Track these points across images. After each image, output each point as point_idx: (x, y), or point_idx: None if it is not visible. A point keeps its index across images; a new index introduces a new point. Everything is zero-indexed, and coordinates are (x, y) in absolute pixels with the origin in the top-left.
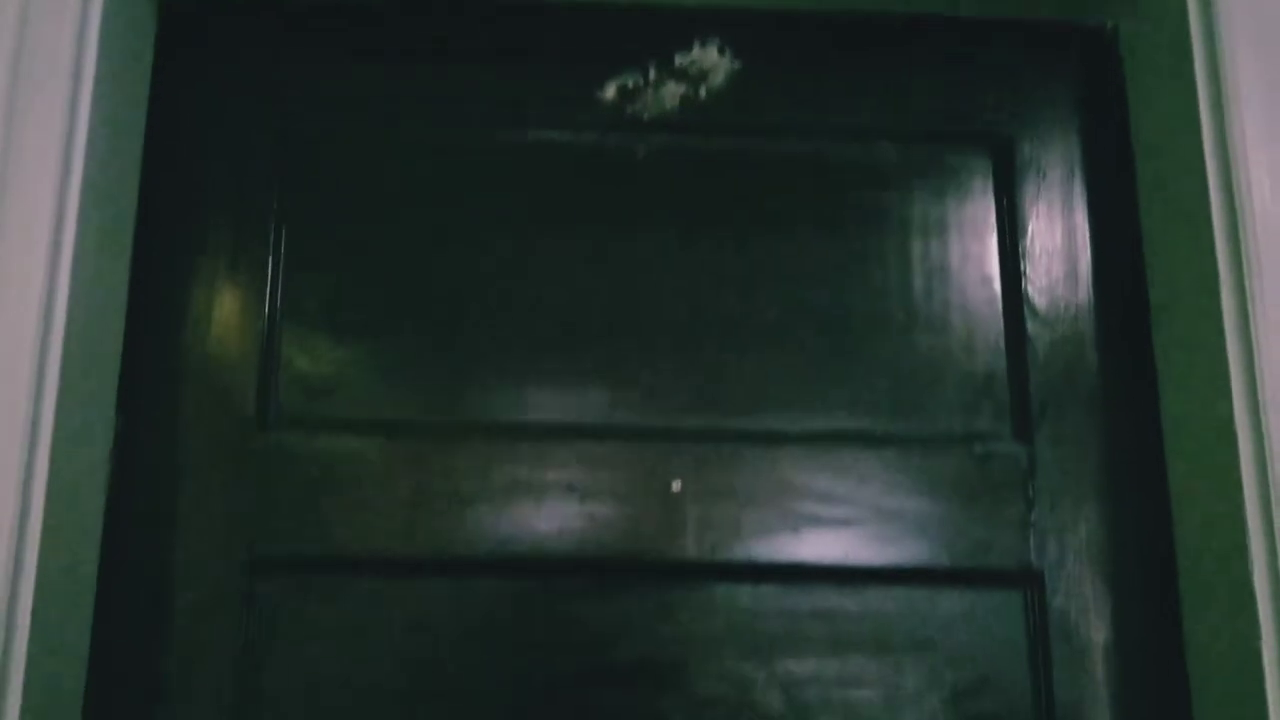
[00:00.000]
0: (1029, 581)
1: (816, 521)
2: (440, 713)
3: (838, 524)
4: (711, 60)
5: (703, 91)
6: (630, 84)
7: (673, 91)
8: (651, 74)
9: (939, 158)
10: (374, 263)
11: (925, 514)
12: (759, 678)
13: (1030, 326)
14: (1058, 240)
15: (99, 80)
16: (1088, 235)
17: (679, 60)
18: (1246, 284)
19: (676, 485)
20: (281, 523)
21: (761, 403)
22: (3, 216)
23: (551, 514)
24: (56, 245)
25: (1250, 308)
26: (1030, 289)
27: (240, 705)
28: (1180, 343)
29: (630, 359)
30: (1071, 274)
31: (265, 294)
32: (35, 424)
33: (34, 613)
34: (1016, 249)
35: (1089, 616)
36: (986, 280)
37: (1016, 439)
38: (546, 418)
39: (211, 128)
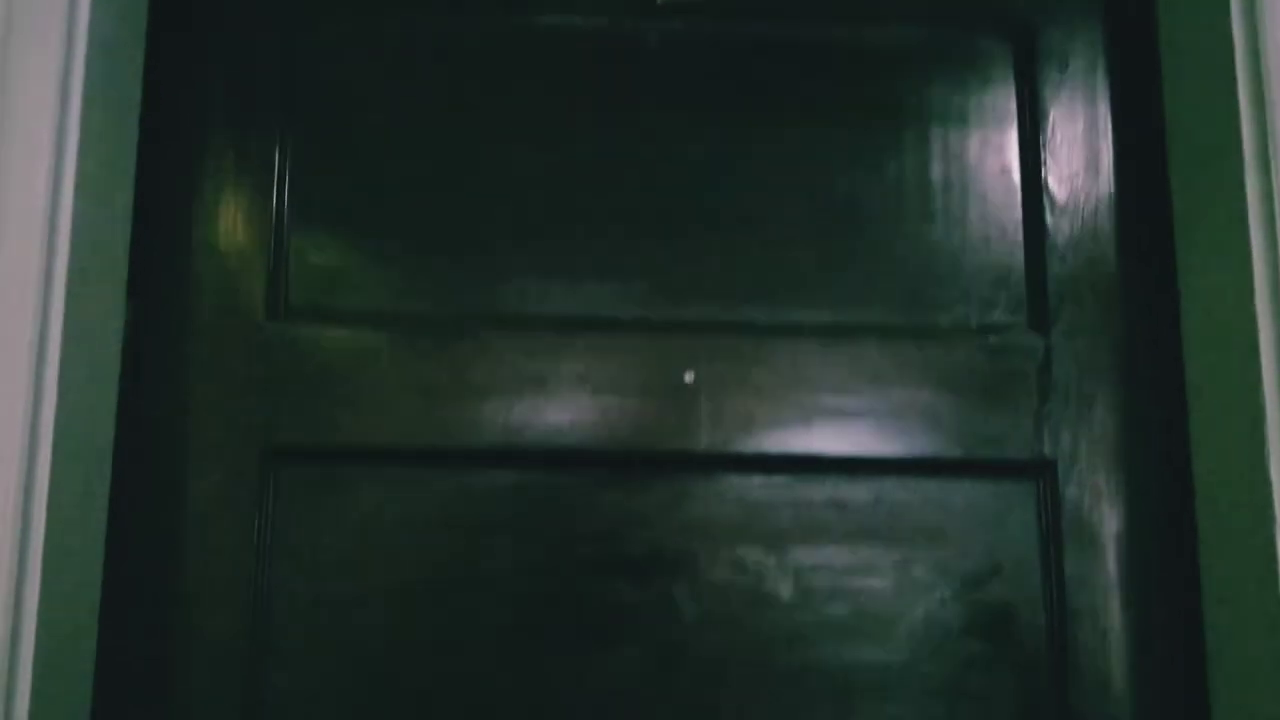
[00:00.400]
0: (1042, 472)
1: (830, 413)
2: (454, 602)
3: (851, 415)
4: None
5: None
6: None
7: None
8: None
9: (959, 43)
10: (382, 156)
11: (939, 405)
12: (770, 566)
13: (1049, 218)
14: (1079, 131)
15: None
16: (1109, 126)
17: None
18: (1274, 175)
19: (689, 376)
20: (294, 415)
21: (776, 294)
22: (6, 113)
23: (563, 406)
24: (61, 143)
25: (1276, 200)
26: (1050, 180)
27: (255, 595)
28: (1202, 237)
29: (643, 250)
30: (1093, 165)
31: (274, 190)
32: (45, 319)
33: (49, 506)
34: (1037, 139)
35: (1101, 507)
36: (1005, 171)
37: (1033, 330)
38: (558, 309)
39: (215, 27)
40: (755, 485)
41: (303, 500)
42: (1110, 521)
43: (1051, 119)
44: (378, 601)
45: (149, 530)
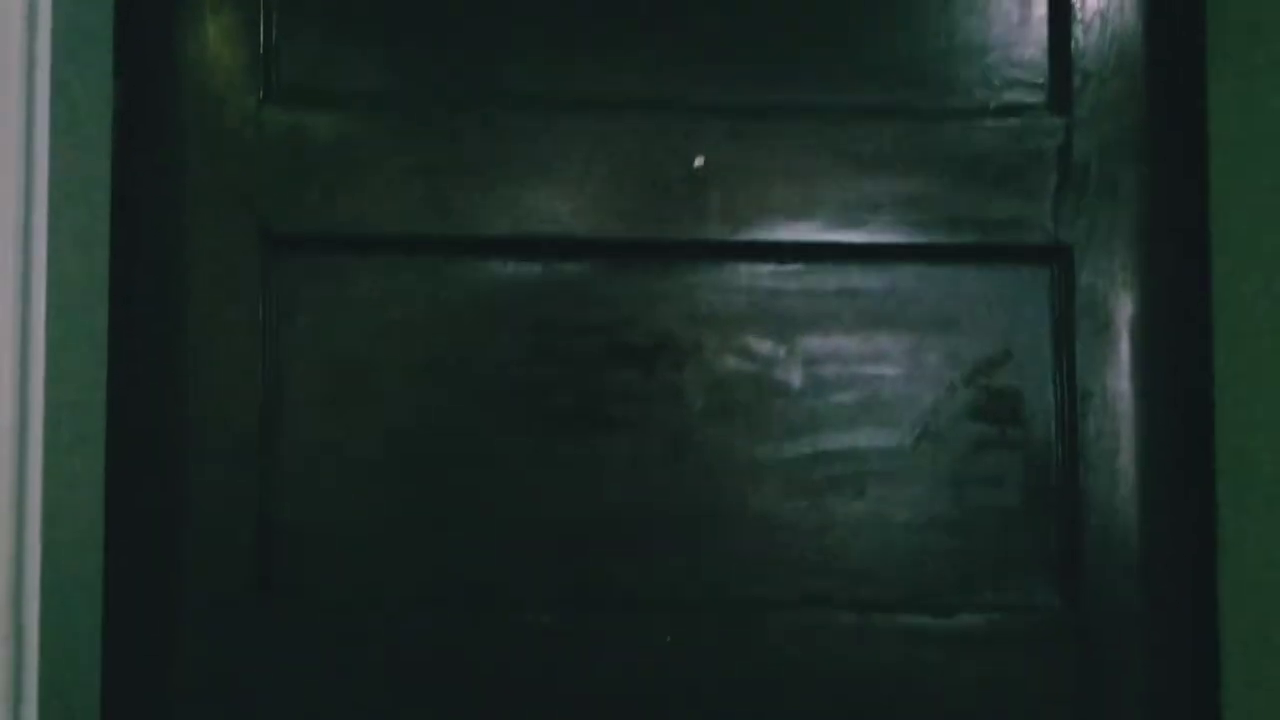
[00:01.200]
0: (1058, 257)
1: (843, 198)
2: (459, 390)
3: (865, 201)
4: None
5: None
6: None
7: None
8: None
9: None
10: None
11: (955, 190)
12: (780, 355)
13: None
14: None
15: None
16: None
17: None
18: None
19: (699, 161)
20: (295, 202)
21: (790, 76)
22: None
23: (569, 192)
24: None
25: None
26: None
27: (261, 388)
28: (1234, 14)
29: (650, 29)
30: None
31: None
32: (30, 97)
33: (48, 304)
34: None
35: (1117, 293)
36: None
37: (1053, 112)
38: (564, 91)
39: None
40: (765, 273)
41: (306, 288)
42: (1125, 308)
43: None
44: (384, 391)
45: (150, 325)
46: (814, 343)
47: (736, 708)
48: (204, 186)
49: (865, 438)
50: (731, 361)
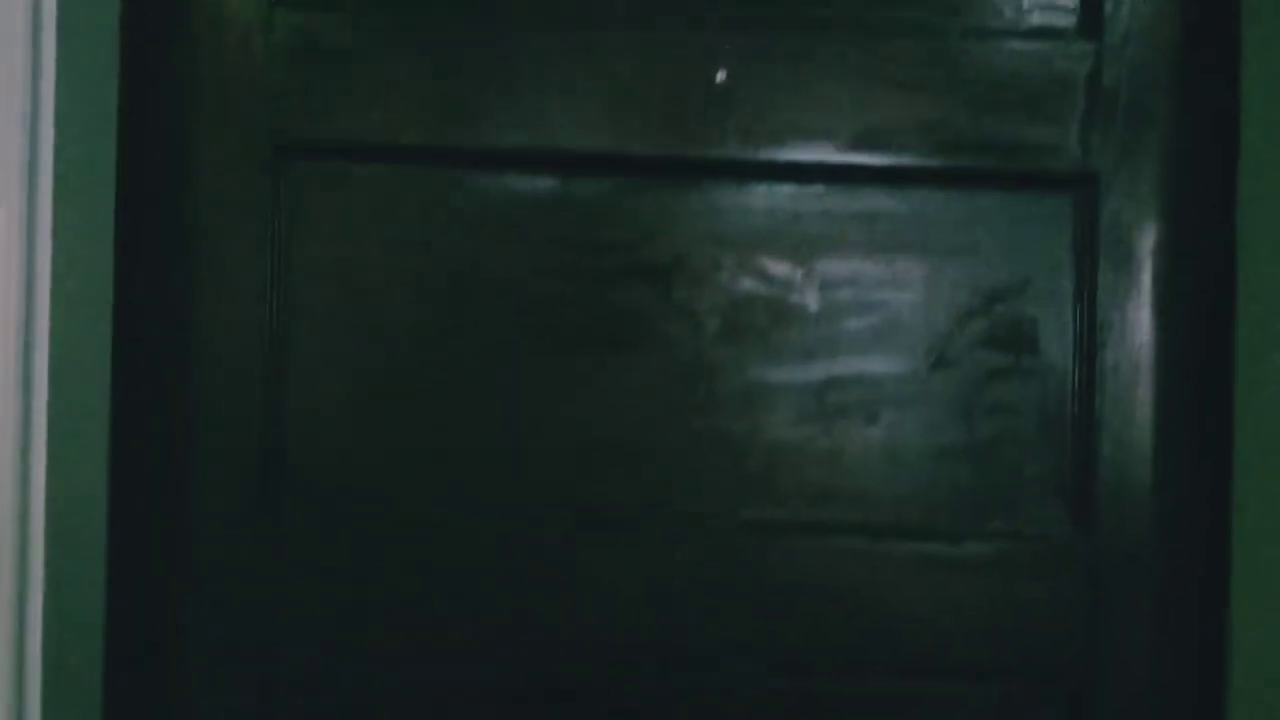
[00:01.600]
0: (1083, 185)
1: (867, 119)
2: (470, 305)
3: (889, 122)
4: None
5: None
6: None
7: None
8: None
9: None
10: None
11: (981, 113)
12: (797, 278)
13: None
14: None
15: None
16: None
17: None
18: None
19: (721, 76)
20: (306, 108)
21: None
22: None
23: (587, 105)
24: None
25: None
26: None
27: (270, 302)
28: None
29: None
30: None
31: None
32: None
33: (55, 214)
34: None
35: (1141, 224)
36: None
37: (1084, 37)
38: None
39: None
40: (785, 194)
41: (316, 199)
42: (1149, 238)
43: None
44: (393, 305)
45: (157, 236)
46: (831, 266)
47: (743, 630)
48: (213, 91)
49: (880, 363)
50: (748, 283)
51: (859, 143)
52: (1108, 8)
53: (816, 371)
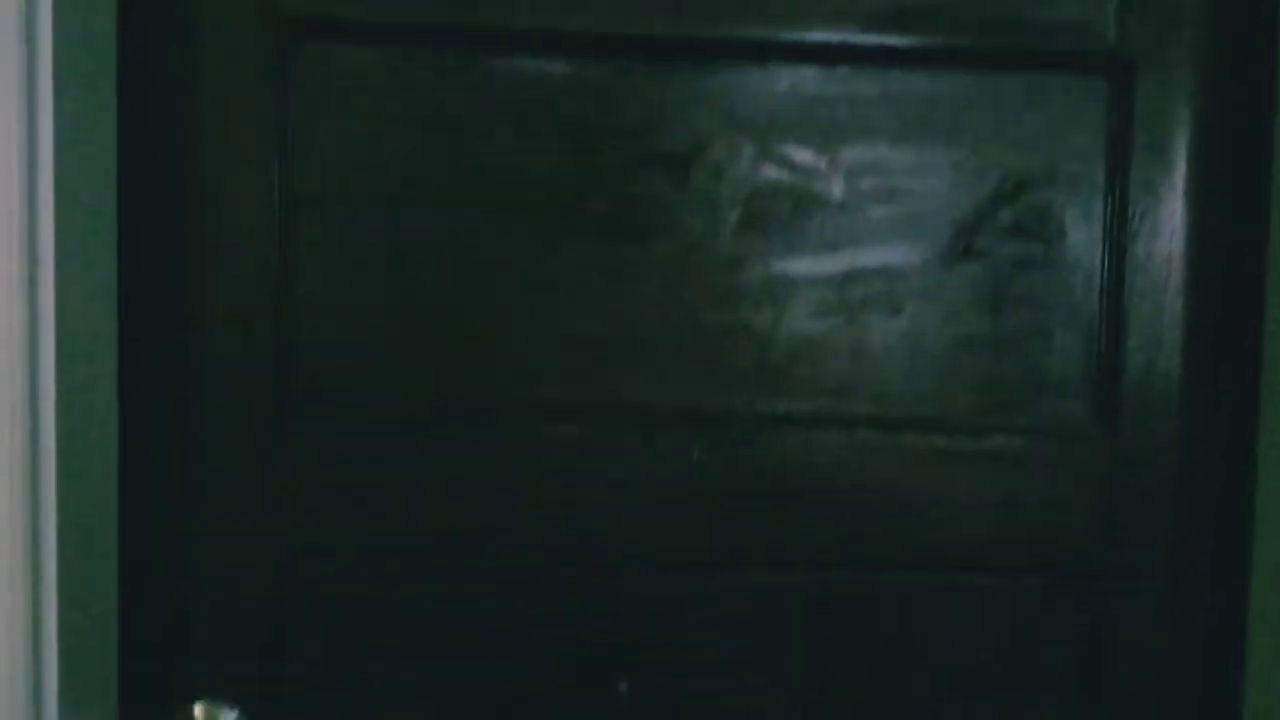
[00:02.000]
0: (1118, 69)
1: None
2: (484, 193)
3: (916, 1)
4: None
5: None
6: None
7: None
8: None
9: None
10: None
11: None
12: (820, 165)
13: None
14: None
15: None
16: None
17: None
18: None
19: None
20: None
21: None
22: None
23: None
24: None
25: None
26: None
27: (278, 190)
28: None
29: None
30: None
31: None
32: None
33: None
34: None
35: (1178, 113)
36: None
37: None
38: None
39: None
40: (808, 77)
41: (324, 83)
42: (1185, 127)
43: None
44: (401, 193)
45: (160, 131)
46: (855, 152)
47: (760, 522)
48: None
49: (904, 254)
50: (769, 171)
51: (885, 22)
52: None
53: (840, 262)
